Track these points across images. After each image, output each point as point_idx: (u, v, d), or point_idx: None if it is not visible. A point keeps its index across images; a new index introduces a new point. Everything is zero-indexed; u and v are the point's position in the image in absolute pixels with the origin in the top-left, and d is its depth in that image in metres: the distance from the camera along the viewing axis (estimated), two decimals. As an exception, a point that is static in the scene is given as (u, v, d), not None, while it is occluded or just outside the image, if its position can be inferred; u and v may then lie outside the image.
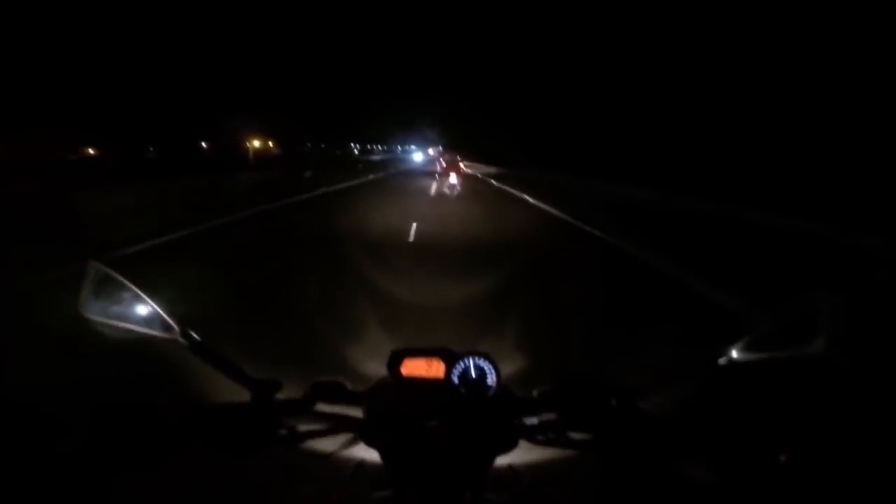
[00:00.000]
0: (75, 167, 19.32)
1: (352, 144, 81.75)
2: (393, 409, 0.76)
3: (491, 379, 0.78)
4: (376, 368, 0.85)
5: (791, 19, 14.30)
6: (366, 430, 0.76)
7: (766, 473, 0.63)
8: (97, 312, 0.74)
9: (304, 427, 0.75)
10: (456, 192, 14.43)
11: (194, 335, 0.76)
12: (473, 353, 0.79)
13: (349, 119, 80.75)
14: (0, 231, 7.06)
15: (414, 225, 8.16)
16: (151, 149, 31.19)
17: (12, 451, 0.60)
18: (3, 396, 1.82)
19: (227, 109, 34.88)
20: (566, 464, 0.82)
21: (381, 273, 4.78)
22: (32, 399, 1.80)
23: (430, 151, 46.79)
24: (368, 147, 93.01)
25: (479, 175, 25.54)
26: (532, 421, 0.77)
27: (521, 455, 0.79)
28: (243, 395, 0.74)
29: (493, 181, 21.85)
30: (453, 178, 15.13)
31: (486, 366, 0.78)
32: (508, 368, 0.87)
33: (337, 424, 0.78)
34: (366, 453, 0.80)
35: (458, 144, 42.56)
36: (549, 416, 0.77)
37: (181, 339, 0.74)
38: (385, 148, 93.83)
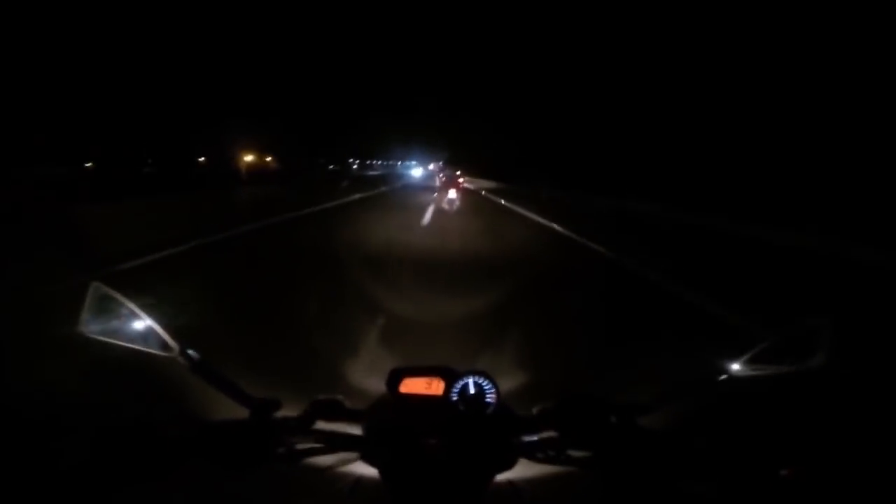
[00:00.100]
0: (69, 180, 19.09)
1: (350, 160, 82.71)
2: (392, 427, 0.76)
3: (490, 397, 0.78)
4: (375, 385, 0.85)
5: (794, 30, 14.44)
6: (365, 448, 0.76)
7: (768, 489, 0.62)
8: (97, 331, 0.75)
9: (303, 445, 0.75)
10: (455, 207, 14.49)
11: (193, 354, 0.76)
12: (473, 372, 0.79)
13: (349, 135, 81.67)
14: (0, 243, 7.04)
15: (412, 240, 8.13)
16: (150, 161, 31.48)
17: (12, 468, 0.60)
18: (4, 413, 1.80)
19: (225, 124, 35.28)
20: (567, 480, 0.82)
21: (379, 287, 4.76)
22: (33, 415, 1.78)
23: (431, 166, 47.18)
24: (368, 163, 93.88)
25: (481, 191, 25.64)
26: (531, 438, 0.77)
27: (521, 472, 0.78)
28: (242, 414, 0.74)
29: (492, 196, 21.92)
30: (452, 194, 15.18)
31: (486, 383, 0.78)
32: (508, 385, 0.87)
33: (336, 442, 0.77)
34: (364, 470, 0.80)
35: (458, 160, 42.98)
36: (549, 434, 0.77)
37: (180, 358, 0.75)
38: (385, 163, 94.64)
